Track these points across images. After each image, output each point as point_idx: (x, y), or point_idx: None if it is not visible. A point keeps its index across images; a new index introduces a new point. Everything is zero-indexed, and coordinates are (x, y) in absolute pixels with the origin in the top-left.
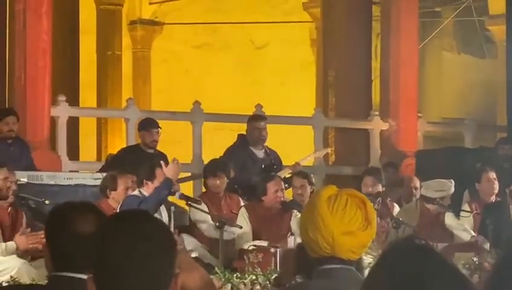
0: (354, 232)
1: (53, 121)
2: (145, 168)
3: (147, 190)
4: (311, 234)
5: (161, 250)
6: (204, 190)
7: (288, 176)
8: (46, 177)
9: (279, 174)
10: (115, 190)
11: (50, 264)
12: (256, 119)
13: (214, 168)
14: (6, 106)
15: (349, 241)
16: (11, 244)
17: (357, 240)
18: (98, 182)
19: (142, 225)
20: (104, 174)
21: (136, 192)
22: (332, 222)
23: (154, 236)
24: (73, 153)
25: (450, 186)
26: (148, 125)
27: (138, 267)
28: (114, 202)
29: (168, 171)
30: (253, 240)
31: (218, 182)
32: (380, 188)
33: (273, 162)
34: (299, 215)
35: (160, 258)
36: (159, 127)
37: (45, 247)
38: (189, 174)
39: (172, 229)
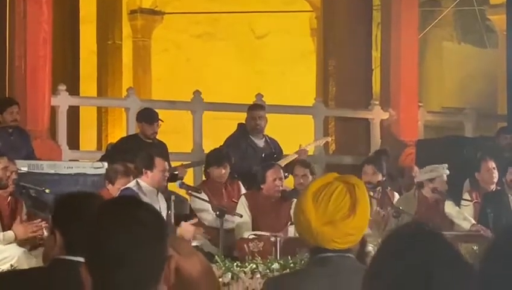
0: (334, 222)
1: (53, 111)
2: (143, 157)
3: (145, 180)
4: (296, 226)
5: (155, 235)
6: (204, 178)
7: (289, 160)
8: (46, 167)
9: (280, 162)
10: (112, 184)
11: (62, 250)
12: (254, 108)
13: (219, 157)
14: (6, 95)
15: (329, 232)
16: (9, 233)
17: (337, 230)
18: (98, 171)
19: (135, 211)
20: (105, 163)
21: (132, 183)
22: (312, 215)
23: (147, 222)
24: (74, 142)
25: (440, 168)
26: (149, 118)
27: (134, 253)
28: (114, 191)
29: (184, 231)
30: (252, 229)
31: (223, 171)
32: (380, 177)
33: (274, 151)
34: None
35: (154, 244)
36: (159, 119)
37: (52, 235)
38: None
39: (172, 218)
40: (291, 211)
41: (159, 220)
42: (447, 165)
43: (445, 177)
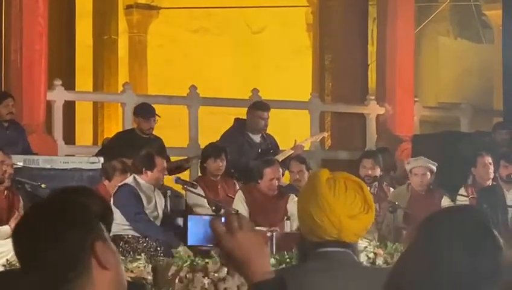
0: (357, 216)
1: (49, 105)
2: (143, 157)
3: (144, 178)
4: (317, 219)
5: (66, 223)
6: (200, 174)
7: (285, 156)
8: (42, 161)
9: (276, 157)
10: (109, 181)
11: None
12: (262, 108)
13: (216, 149)
14: (2, 90)
15: (354, 225)
16: (5, 228)
17: (360, 224)
18: (94, 166)
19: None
20: (101, 158)
21: (130, 179)
22: (337, 206)
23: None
24: (70, 137)
25: (413, 160)
26: (146, 113)
27: (44, 242)
28: (110, 187)
29: None
30: None
31: (220, 164)
32: (378, 171)
33: (270, 147)
34: (295, 199)
35: (67, 231)
36: (156, 114)
37: None
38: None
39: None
40: (288, 206)
41: (71, 207)
42: (423, 158)
43: (421, 170)
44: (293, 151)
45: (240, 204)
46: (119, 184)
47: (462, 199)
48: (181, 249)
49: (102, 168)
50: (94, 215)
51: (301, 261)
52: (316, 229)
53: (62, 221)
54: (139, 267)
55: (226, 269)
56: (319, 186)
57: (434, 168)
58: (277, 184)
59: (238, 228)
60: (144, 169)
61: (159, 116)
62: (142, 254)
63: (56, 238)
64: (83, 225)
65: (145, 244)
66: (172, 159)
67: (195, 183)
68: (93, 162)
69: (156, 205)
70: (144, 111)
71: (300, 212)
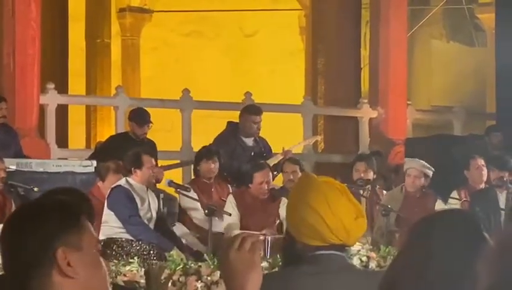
0: (357, 219)
1: (42, 109)
2: (130, 157)
3: (135, 178)
4: (328, 222)
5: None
6: (193, 177)
7: (277, 160)
8: (35, 165)
9: (268, 161)
10: (103, 181)
11: None
12: (255, 112)
13: (209, 152)
14: None
15: (358, 228)
16: None
17: (361, 227)
18: (87, 170)
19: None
20: (94, 162)
21: (122, 181)
22: (347, 209)
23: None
24: (62, 140)
25: (416, 161)
26: (140, 119)
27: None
28: (104, 188)
29: None
30: (241, 227)
31: (212, 165)
32: (371, 174)
33: (263, 150)
34: None
35: (29, 231)
36: (151, 121)
37: None
38: (178, 161)
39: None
40: (280, 210)
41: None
42: (419, 160)
43: (415, 172)
44: (282, 157)
45: (230, 209)
46: (112, 186)
47: (454, 202)
48: (174, 252)
49: (96, 169)
50: (68, 223)
51: (286, 265)
52: (323, 233)
53: (28, 224)
54: (131, 271)
55: (219, 273)
56: (327, 191)
57: (429, 172)
58: (267, 187)
59: (236, 247)
60: (132, 168)
61: (152, 123)
62: (135, 257)
63: (19, 240)
64: (45, 231)
65: (138, 247)
66: (166, 162)
67: (188, 186)
68: (86, 166)
69: (150, 207)
70: (139, 117)
71: (300, 215)
